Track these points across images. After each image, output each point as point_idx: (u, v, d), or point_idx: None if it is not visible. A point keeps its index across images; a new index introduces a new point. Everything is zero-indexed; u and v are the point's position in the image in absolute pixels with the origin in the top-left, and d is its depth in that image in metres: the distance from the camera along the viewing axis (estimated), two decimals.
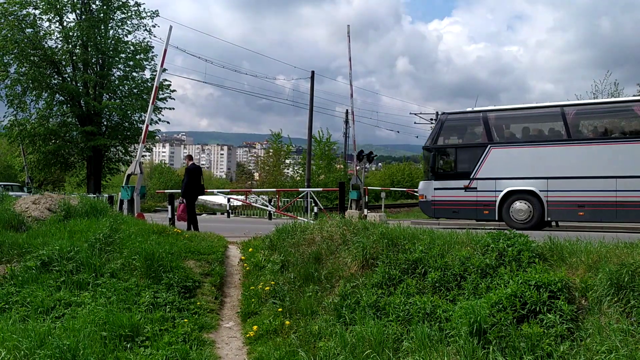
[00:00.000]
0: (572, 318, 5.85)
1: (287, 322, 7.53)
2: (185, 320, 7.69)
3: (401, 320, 6.82)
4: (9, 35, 29.52)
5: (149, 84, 32.63)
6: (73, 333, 6.80)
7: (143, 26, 33.40)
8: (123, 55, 32.88)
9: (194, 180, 13.93)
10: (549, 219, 15.80)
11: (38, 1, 30.99)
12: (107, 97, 33.00)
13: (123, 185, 15.47)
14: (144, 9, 33.14)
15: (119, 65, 33.37)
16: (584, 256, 6.69)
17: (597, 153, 15.18)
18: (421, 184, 18.29)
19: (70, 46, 31.46)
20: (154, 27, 37.17)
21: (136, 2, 32.79)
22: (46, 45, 31.11)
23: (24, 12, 30.63)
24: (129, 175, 15.59)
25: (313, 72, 36.19)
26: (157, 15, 33.36)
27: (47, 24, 31.73)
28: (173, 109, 39.57)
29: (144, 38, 33.89)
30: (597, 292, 6.01)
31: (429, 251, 7.76)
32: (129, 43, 33.12)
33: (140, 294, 8.15)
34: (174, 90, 34.36)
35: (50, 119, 32.68)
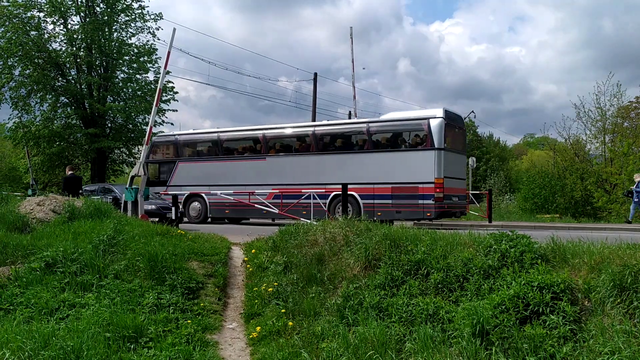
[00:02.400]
0: (574, 319, 5.83)
1: (290, 323, 7.53)
2: (189, 321, 7.69)
3: (404, 321, 6.81)
4: (14, 37, 29.56)
5: (153, 86, 32.65)
6: (77, 334, 6.80)
7: (147, 29, 33.40)
8: (127, 58, 32.91)
9: (70, 188, 14.82)
10: (210, 215, 21.45)
11: (42, 4, 31.05)
12: (111, 99, 33.03)
13: (127, 186, 15.50)
14: (148, 11, 33.16)
15: (123, 68, 33.39)
16: (586, 257, 6.67)
17: (232, 168, 21.15)
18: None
19: (74, 49, 31.50)
20: (158, 29, 37.23)
21: (140, 5, 32.81)
22: (50, 48, 31.15)
23: (29, 14, 30.65)
24: (132, 177, 15.63)
25: (316, 74, 36.16)
26: (160, 18, 33.38)
27: (51, 26, 31.78)
28: (176, 110, 40.09)
29: (148, 40, 33.95)
30: (600, 294, 5.99)
31: (432, 252, 7.75)
32: (133, 45, 33.15)
33: (143, 295, 8.15)
34: (177, 92, 34.47)
35: (55, 121, 32.73)
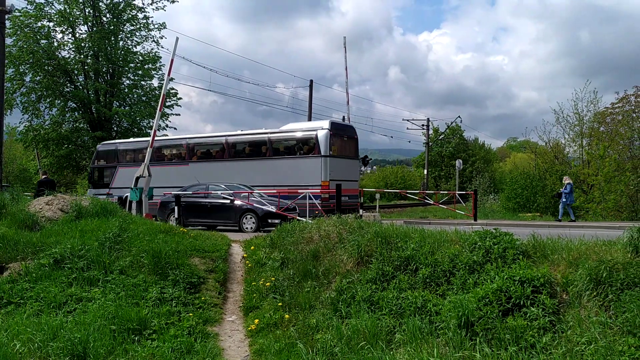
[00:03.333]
0: (553, 311, 5.87)
1: (287, 316, 7.53)
2: (190, 314, 7.68)
3: (394, 313, 6.82)
4: (25, 46, 29.50)
5: (157, 92, 32.61)
6: (84, 327, 6.79)
7: (151, 37, 33.39)
8: (132, 65, 32.86)
9: (44, 190, 15.02)
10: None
11: (52, 14, 31.01)
12: (117, 104, 32.98)
13: (132, 187, 15.45)
14: (152, 21, 33.22)
15: (129, 74, 33.36)
16: (565, 253, 6.70)
17: (162, 172, 21.06)
18: (88, 191, 24.80)
19: (82, 56, 31.45)
20: (162, 38, 37.19)
21: (145, 16, 32.80)
22: (59, 56, 31.09)
23: (39, 24, 30.62)
24: (137, 178, 15.58)
25: (312, 81, 36.07)
26: (164, 28, 33.35)
27: (60, 35, 31.79)
28: (179, 115, 40.01)
29: (152, 49, 33.97)
30: (578, 287, 6.02)
31: (420, 249, 7.77)
32: (138, 53, 33.10)
33: (147, 289, 8.13)
34: (180, 98, 34.39)
35: (63, 125, 32.72)
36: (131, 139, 25.45)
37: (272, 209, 15.53)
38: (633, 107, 27.56)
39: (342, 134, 20.25)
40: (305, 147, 19.52)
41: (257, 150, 20.74)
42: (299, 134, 19.99)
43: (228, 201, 16.18)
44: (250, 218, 15.77)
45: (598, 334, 5.29)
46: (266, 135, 20.44)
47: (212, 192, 16.62)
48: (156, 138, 22.48)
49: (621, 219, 22.66)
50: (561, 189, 20.46)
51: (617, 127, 27.48)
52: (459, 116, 62.90)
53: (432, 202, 26.92)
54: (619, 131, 27.08)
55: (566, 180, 20.23)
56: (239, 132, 22.31)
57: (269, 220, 15.39)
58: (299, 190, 16.89)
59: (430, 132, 48.03)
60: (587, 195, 26.66)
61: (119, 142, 25.40)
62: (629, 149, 27.13)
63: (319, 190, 17.92)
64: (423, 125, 47.72)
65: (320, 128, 19.06)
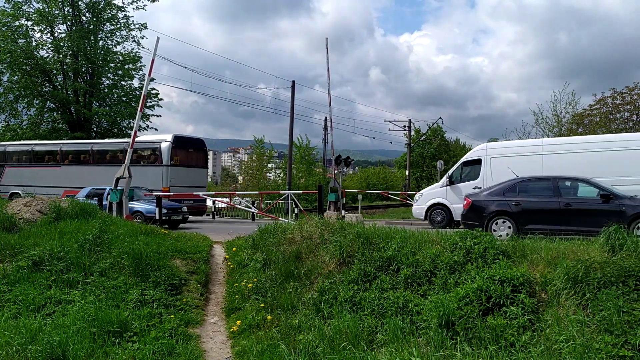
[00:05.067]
0: (532, 310, 5.95)
1: (269, 317, 7.52)
2: (172, 316, 7.63)
3: (376, 314, 6.86)
4: (2, 45, 29.01)
5: (137, 92, 32.27)
6: (63, 329, 6.70)
7: (132, 37, 33.02)
8: (112, 65, 32.47)
9: None
10: None
11: (30, 13, 30.53)
12: (97, 104, 32.57)
13: (112, 188, 15.30)
14: (133, 21, 32.84)
15: (109, 75, 32.95)
16: (543, 253, 6.81)
17: (40, 173, 24.19)
18: None
19: (61, 56, 31.01)
20: (142, 38, 36.80)
21: (125, 15, 32.43)
22: (38, 55, 30.61)
23: (17, 23, 30.13)
24: (117, 179, 15.42)
25: (294, 82, 35.98)
26: (145, 28, 32.99)
27: (38, 34, 31.28)
28: (160, 116, 39.67)
29: (133, 49, 33.50)
30: (556, 286, 6.12)
31: (402, 249, 7.82)
32: (118, 53, 32.71)
33: (128, 291, 8.06)
34: (161, 99, 34.06)
35: (42, 125, 32.23)
36: (18, 142, 28.00)
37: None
38: (610, 109, 28.12)
39: (187, 146, 22.52)
40: (153, 156, 21.99)
41: (116, 156, 23.09)
42: (148, 145, 22.46)
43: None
44: None
45: (576, 332, 5.38)
46: (122, 145, 22.67)
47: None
48: (37, 142, 25.50)
49: None
50: None
51: (595, 128, 27.99)
52: (440, 117, 63.50)
53: (413, 202, 27.06)
54: (597, 132, 27.56)
55: None
56: (104, 140, 25.50)
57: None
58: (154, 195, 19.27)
59: (412, 133, 48.32)
60: None
61: (7, 144, 27.56)
62: None
63: (161, 194, 20.27)
64: (405, 126, 47.99)
65: (163, 140, 21.53)
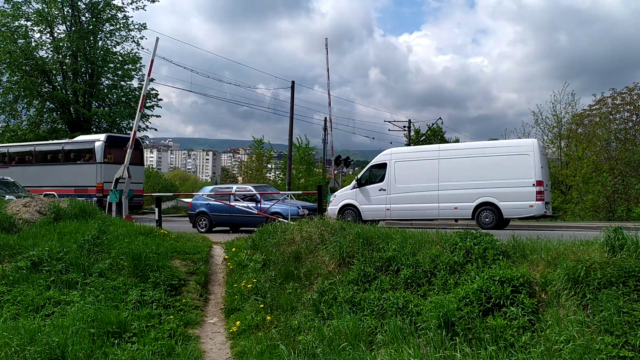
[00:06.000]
0: (532, 311, 5.93)
1: (269, 318, 7.50)
2: (171, 316, 7.62)
3: (375, 314, 6.84)
4: (2, 45, 28.96)
5: (137, 93, 32.18)
6: (62, 330, 6.70)
7: (131, 38, 32.93)
8: (112, 65, 32.39)
9: None
10: None
11: (30, 14, 30.49)
12: (97, 104, 32.51)
13: (112, 188, 15.29)
14: (132, 22, 32.74)
15: (108, 75, 32.86)
16: (544, 253, 6.78)
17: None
18: None
19: (60, 56, 30.96)
20: (142, 39, 36.77)
21: (125, 15, 32.36)
22: (37, 56, 30.56)
23: (16, 23, 30.09)
24: (117, 179, 15.41)
25: (293, 83, 35.84)
26: (144, 28, 32.88)
27: (38, 35, 31.20)
28: (159, 116, 39.62)
29: (132, 49, 33.41)
30: (556, 287, 6.10)
31: (402, 250, 7.80)
32: (118, 54, 32.64)
33: (127, 292, 8.05)
34: (160, 99, 33.98)
35: (41, 126, 32.14)
36: None
37: None
38: (610, 109, 28.09)
39: (121, 145, 22.77)
40: (87, 155, 23.50)
41: (56, 157, 24.81)
42: (83, 145, 23.97)
43: None
44: None
45: (576, 333, 5.37)
46: (61, 146, 24.88)
47: None
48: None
49: (598, 219, 23.03)
50: None
51: (594, 128, 27.95)
52: (440, 117, 63.46)
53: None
54: (597, 133, 27.57)
55: None
56: (46, 142, 27.03)
57: None
58: (89, 191, 21.83)
59: (412, 133, 48.26)
60: (566, 195, 27.05)
61: None
62: (606, 150, 27.64)
63: (95, 190, 22.20)
64: (404, 126, 47.97)
65: (97, 140, 23.20)
